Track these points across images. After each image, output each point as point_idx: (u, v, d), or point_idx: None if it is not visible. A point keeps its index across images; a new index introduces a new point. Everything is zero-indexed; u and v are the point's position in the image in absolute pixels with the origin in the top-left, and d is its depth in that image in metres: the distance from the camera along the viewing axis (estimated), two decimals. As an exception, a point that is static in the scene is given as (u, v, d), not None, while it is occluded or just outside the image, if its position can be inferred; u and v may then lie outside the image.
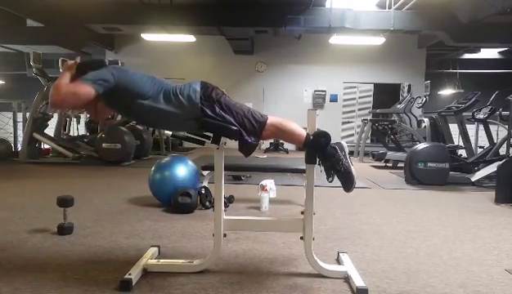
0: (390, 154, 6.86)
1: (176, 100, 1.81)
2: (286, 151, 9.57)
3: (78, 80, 1.74)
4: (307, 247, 1.90)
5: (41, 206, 3.27)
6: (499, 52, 11.38)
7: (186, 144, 9.57)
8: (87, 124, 8.23)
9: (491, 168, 4.74)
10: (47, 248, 2.25)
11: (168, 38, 9.18)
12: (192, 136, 1.90)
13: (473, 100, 5.42)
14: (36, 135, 6.43)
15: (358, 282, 1.76)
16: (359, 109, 11.11)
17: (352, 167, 1.85)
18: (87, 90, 1.71)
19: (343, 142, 1.91)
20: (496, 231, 2.85)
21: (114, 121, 6.78)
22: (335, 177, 1.89)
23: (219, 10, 7.98)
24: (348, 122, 11.15)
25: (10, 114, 7.45)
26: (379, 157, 7.17)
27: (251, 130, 1.82)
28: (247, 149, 1.83)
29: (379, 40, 8.75)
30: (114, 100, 1.85)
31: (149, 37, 9.30)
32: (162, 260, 2.01)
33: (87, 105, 1.87)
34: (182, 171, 3.34)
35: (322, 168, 1.90)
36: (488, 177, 4.74)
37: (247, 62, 10.93)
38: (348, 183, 1.85)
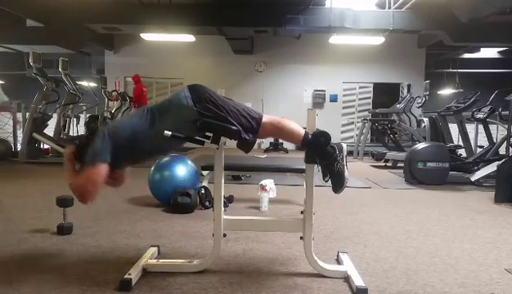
0: (390, 154, 6.86)
1: (170, 113, 1.82)
2: (286, 151, 9.58)
3: (85, 167, 1.77)
4: (307, 247, 1.90)
5: (40, 206, 3.27)
6: (498, 52, 11.38)
7: (186, 144, 9.54)
8: (87, 124, 8.22)
9: (491, 168, 4.74)
10: (47, 248, 2.25)
11: (168, 38, 9.18)
12: (191, 137, 1.90)
13: (472, 99, 5.43)
14: (35, 135, 6.42)
15: (358, 281, 1.76)
16: (359, 110, 11.12)
17: (345, 170, 1.85)
18: (100, 169, 1.75)
19: (344, 144, 1.91)
20: (496, 231, 2.85)
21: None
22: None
23: (219, 10, 7.98)
24: (348, 122, 11.16)
25: (9, 114, 7.44)
26: (378, 156, 7.17)
27: (248, 127, 1.82)
28: (246, 146, 1.83)
29: (379, 40, 8.75)
30: (122, 157, 1.85)
31: (148, 37, 9.29)
32: (161, 260, 2.01)
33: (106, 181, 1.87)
34: (182, 171, 3.34)
35: (319, 167, 1.90)
36: (488, 177, 4.74)
37: (247, 62, 10.93)
38: (337, 184, 1.85)
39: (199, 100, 1.80)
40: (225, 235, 1.92)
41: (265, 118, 1.86)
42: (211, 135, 1.84)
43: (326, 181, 1.91)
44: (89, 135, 1.92)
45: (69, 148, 1.88)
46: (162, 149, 1.99)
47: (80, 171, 1.81)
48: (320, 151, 1.85)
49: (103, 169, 1.76)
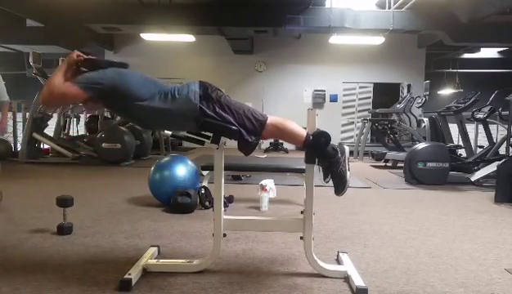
0: (390, 154, 6.86)
1: (174, 101, 1.80)
2: (286, 151, 9.57)
3: (71, 81, 1.75)
4: (307, 247, 1.90)
5: (40, 206, 3.26)
6: (498, 52, 11.38)
7: (186, 144, 9.57)
8: (87, 124, 8.22)
9: (491, 168, 4.74)
10: (47, 248, 2.25)
11: (168, 38, 9.17)
12: (192, 136, 1.90)
13: (472, 99, 5.43)
14: (35, 135, 6.42)
15: (358, 281, 1.76)
16: (359, 110, 11.11)
17: (347, 173, 1.85)
18: (76, 92, 1.73)
19: (346, 147, 1.90)
20: (496, 231, 2.85)
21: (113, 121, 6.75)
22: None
23: (219, 10, 7.97)
24: (348, 122, 11.16)
25: (9, 114, 7.43)
26: (378, 156, 7.17)
27: (251, 129, 1.81)
28: (247, 148, 1.83)
29: (379, 40, 8.75)
30: (112, 101, 1.85)
31: (148, 37, 9.29)
32: (162, 260, 2.01)
33: (80, 102, 1.89)
34: (182, 171, 3.34)
35: (320, 168, 1.90)
36: (488, 177, 4.74)
37: (247, 62, 10.93)
38: (339, 187, 1.85)
39: (206, 98, 1.79)
40: (225, 235, 1.92)
41: (268, 120, 1.85)
42: (211, 135, 1.83)
43: (327, 182, 1.91)
44: (101, 62, 1.86)
45: (79, 55, 1.84)
46: (147, 124, 1.98)
47: (65, 78, 1.78)
48: (320, 151, 1.85)
49: (77, 94, 1.74)
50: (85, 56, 1.85)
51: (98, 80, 1.77)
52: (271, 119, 1.87)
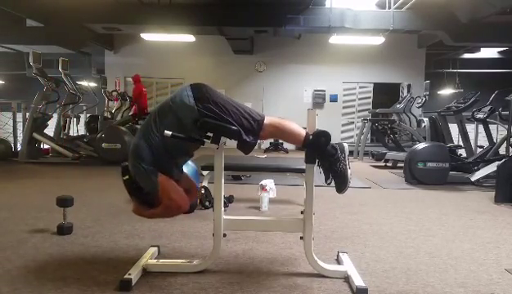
0: (390, 154, 6.86)
1: (172, 111, 1.81)
2: (286, 151, 9.57)
3: (154, 197, 1.81)
4: (307, 247, 1.90)
5: (41, 206, 3.26)
6: (498, 52, 11.39)
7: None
8: (87, 124, 8.23)
9: (491, 168, 4.74)
10: (47, 248, 2.25)
11: (168, 38, 9.18)
12: (192, 136, 1.90)
13: (472, 99, 5.43)
14: (36, 135, 6.42)
15: (358, 281, 1.76)
16: (359, 110, 11.12)
17: (348, 170, 1.84)
18: (163, 179, 1.81)
19: (345, 144, 1.90)
20: (496, 231, 2.85)
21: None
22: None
23: (219, 10, 7.98)
24: (348, 122, 11.16)
25: (9, 114, 7.44)
26: (378, 156, 7.17)
27: (249, 129, 1.81)
28: (246, 148, 1.83)
29: (379, 40, 8.75)
30: (163, 165, 1.86)
31: (148, 37, 9.29)
32: (162, 260, 2.01)
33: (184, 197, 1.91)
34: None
35: (321, 170, 1.90)
36: (488, 177, 4.74)
37: (247, 62, 10.93)
38: (341, 185, 1.85)
39: (202, 100, 1.79)
40: (225, 235, 1.92)
41: (266, 120, 1.85)
42: (211, 135, 1.83)
43: (329, 183, 1.90)
44: (127, 181, 1.88)
45: (133, 207, 1.93)
46: (180, 148, 1.91)
47: (155, 205, 1.84)
48: (320, 151, 1.85)
49: (163, 176, 1.80)
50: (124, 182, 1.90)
51: (145, 174, 1.80)
52: (271, 120, 1.86)
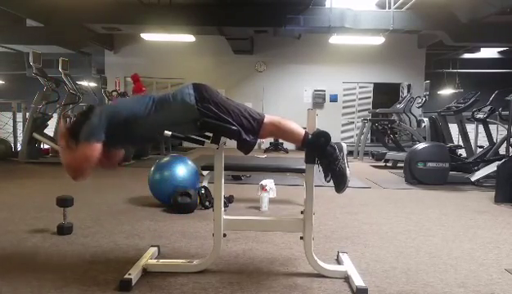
0: (390, 154, 6.86)
1: (170, 107, 1.82)
2: (286, 151, 9.58)
3: (79, 145, 1.77)
4: (307, 247, 1.90)
5: (40, 206, 3.27)
6: (498, 52, 11.38)
7: (186, 144, 9.57)
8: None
9: (491, 168, 4.74)
10: (47, 248, 2.25)
11: (168, 38, 9.18)
12: (192, 136, 1.90)
13: (472, 99, 5.43)
14: (35, 135, 6.42)
15: (358, 281, 1.76)
16: (359, 110, 11.11)
17: (347, 169, 1.85)
18: (93, 147, 1.76)
19: (343, 143, 1.90)
20: (496, 231, 2.85)
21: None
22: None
23: (219, 10, 7.98)
24: (348, 122, 11.16)
25: (9, 114, 7.45)
26: (378, 156, 7.17)
27: (249, 128, 1.82)
28: (246, 147, 1.83)
29: (379, 40, 8.75)
30: (115, 136, 1.85)
31: (148, 37, 9.29)
32: (162, 260, 2.01)
33: (101, 160, 1.88)
34: (182, 171, 3.34)
35: (320, 168, 1.90)
36: (488, 177, 4.74)
37: (247, 62, 10.93)
38: (340, 184, 1.85)
39: (202, 100, 1.80)
40: (225, 235, 1.92)
41: (266, 119, 1.85)
42: (211, 135, 1.83)
43: (328, 181, 1.90)
44: (86, 112, 1.90)
45: (64, 125, 1.89)
46: (153, 138, 2.00)
47: (74, 148, 1.81)
48: (320, 151, 1.85)
49: (97, 147, 1.76)
50: (67, 123, 1.89)
51: (96, 123, 1.79)
52: (270, 118, 1.87)
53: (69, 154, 1.81)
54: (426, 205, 3.73)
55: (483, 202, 3.87)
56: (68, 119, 7.61)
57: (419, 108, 7.76)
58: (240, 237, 2.49)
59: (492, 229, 2.89)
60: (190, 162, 3.50)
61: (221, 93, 1.91)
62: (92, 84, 11.51)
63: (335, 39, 8.93)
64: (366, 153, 8.05)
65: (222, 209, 1.89)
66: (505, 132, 5.00)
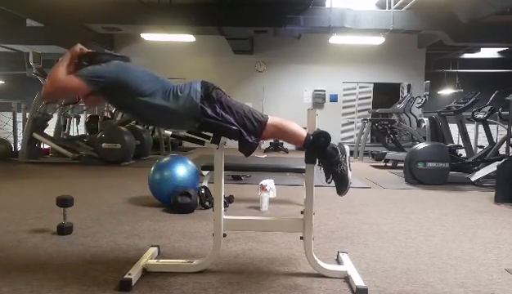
0: (390, 154, 6.86)
1: (176, 100, 1.81)
2: (286, 151, 9.58)
3: (73, 73, 1.76)
4: (307, 247, 1.90)
5: (41, 206, 3.27)
6: (498, 52, 11.38)
7: (186, 144, 9.57)
8: (87, 124, 8.23)
9: (491, 168, 4.74)
10: (47, 248, 2.25)
11: (168, 38, 9.18)
12: (192, 136, 1.90)
13: (472, 99, 5.43)
14: (35, 135, 6.42)
15: (358, 281, 1.76)
16: (359, 110, 11.11)
17: (349, 172, 1.85)
18: (78, 85, 1.74)
19: (346, 146, 1.91)
20: (496, 231, 2.85)
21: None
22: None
23: (219, 10, 7.98)
24: (348, 122, 11.16)
25: (9, 114, 7.44)
26: (378, 156, 7.17)
27: (251, 129, 1.82)
28: (247, 148, 1.83)
29: (379, 40, 8.75)
30: (113, 95, 1.86)
31: (148, 37, 9.29)
32: (162, 260, 2.01)
33: (81, 96, 1.91)
34: (182, 170, 3.34)
35: (322, 169, 1.90)
36: (488, 177, 4.74)
37: (247, 62, 10.93)
38: (341, 186, 1.85)
39: (207, 98, 1.80)
40: (225, 235, 1.92)
41: (268, 120, 1.86)
42: (211, 135, 1.83)
43: (329, 182, 1.90)
44: (103, 56, 1.89)
45: (81, 48, 1.86)
46: (144, 117, 1.98)
47: (68, 70, 1.78)
48: (320, 151, 1.85)
49: (79, 87, 1.75)
50: (87, 50, 1.86)
51: (101, 73, 1.77)
52: (272, 120, 1.87)
53: (59, 70, 1.75)
54: (426, 205, 3.73)
55: (483, 202, 3.87)
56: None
57: (419, 108, 7.76)
58: (240, 237, 2.49)
59: (492, 229, 2.89)
60: (190, 162, 3.50)
61: (227, 94, 1.91)
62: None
63: (335, 39, 8.94)
64: (366, 153, 8.06)
65: (222, 209, 1.89)
66: (505, 132, 5.00)
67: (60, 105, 6.98)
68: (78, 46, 1.85)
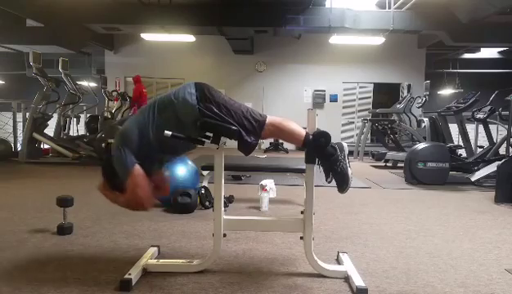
0: (390, 154, 6.86)
1: (173, 106, 1.81)
2: (286, 151, 9.58)
3: (124, 185, 1.78)
4: (307, 247, 1.90)
5: (41, 206, 3.27)
6: (499, 52, 11.38)
7: (186, 144, 9.55)
8: (87, 124, 8.23)
9: (491, 168, 4.74)
10: (47, 248, 2.25)
11: (168, 38, 9.18)
12: (191, 136, 1.89)
13: (472, 99, 5.43)
14: (36, 135, 6.42)
15: (358, 282, 1.76)
16: (359, 110, 11.11)
17: (349, 169, 1.85)
18: (136, 171, 1.76)
19: (344, 143, 1.91)
20: (496, 231, 2.85)
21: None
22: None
23: (219, 10, 7.98)
24: (348, 122, 11.16)
25: (9, 114, 7.44)
26: (378, 156, 7.17)
27: (250, 129, 1.82)
28: (247, 148, 1.83)
29: (379, 40, 8.75)
30: (145, 157, 1.85)
31: (148, 37, 9.29)
32: (162, 260, 2.01)
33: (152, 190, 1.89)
34: (182, 170, 3.34)
35: (321, 168, 1.90)
36: (488, 177, 4.74)
37: (247, 62, 10.93)
38: (342, 184, 1.85)
39: (203, 99, 1.79)
40: (225, 235, 1.92)
41: (267, 120, 1.86)
42: (211, 135, 1.83)
43: (329, 182, 1.90)
44: (105, 160, 1.92)
45: (100, 184, 1.90)
46: (172, 146, 1.91)
47: (123, 189, 1.82)
48: (320, 151, 1.85)
49: (138, 169, 1.77)
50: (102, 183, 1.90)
51: (124, 156, 1.78)
52: (271, 119, 1.87)
53: (122, 196, 1.81)
54: (426, 205, 3.73)
55: (483, 202, 3.87)
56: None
57: (419, 108, 7.77)
58: (240, 237, 2.49)
59: (492, 229, 2.88)
60: (190, 162, 3.50)
61: (223, 94, 1.90)
62: (92, 84, 11.49)
63: (335, 39, 8.94)
64: (366, 153, 8.06)
65: (222, 209, 1.89)
66: (505, 132, 5.00)
67: (60, 105, 6.97)
68: (99, 187, 1.90)
